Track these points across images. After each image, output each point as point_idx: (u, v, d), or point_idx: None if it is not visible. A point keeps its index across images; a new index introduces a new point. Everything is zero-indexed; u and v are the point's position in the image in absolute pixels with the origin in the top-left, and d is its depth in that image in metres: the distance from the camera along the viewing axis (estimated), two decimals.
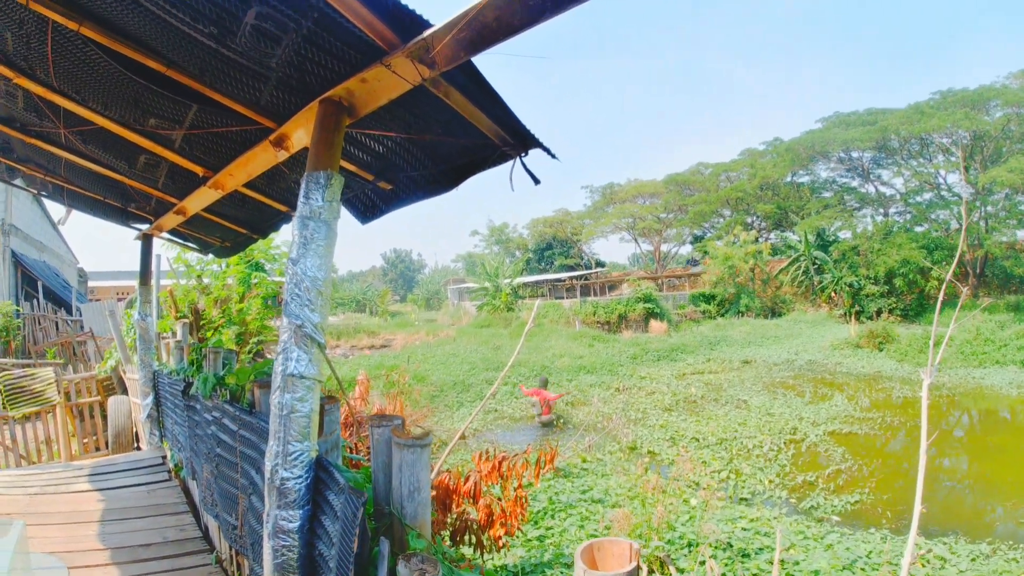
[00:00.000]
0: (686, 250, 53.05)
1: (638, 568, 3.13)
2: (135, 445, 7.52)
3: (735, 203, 44.20)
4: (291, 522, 2.21)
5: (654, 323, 30.03)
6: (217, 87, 2.87)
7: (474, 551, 4.56)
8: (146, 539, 4.22)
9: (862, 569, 5.84)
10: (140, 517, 4.66)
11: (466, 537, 4.54)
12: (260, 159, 3.52)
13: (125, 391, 8.57)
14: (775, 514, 7.69)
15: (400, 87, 2.15)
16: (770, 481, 9.22)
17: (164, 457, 6.19)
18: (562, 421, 13.78)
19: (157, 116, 3.34)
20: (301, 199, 2.35)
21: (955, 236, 31.88)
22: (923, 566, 6.09)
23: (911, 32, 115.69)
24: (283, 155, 3.15)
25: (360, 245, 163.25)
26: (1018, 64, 58.18)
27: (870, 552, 6.27)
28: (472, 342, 24.33)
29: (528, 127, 2.39)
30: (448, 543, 4.49)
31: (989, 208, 31.31)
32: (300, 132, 2.91)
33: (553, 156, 2.33)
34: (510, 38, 1.66)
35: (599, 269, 54.18)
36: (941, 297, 4.04)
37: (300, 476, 2.22)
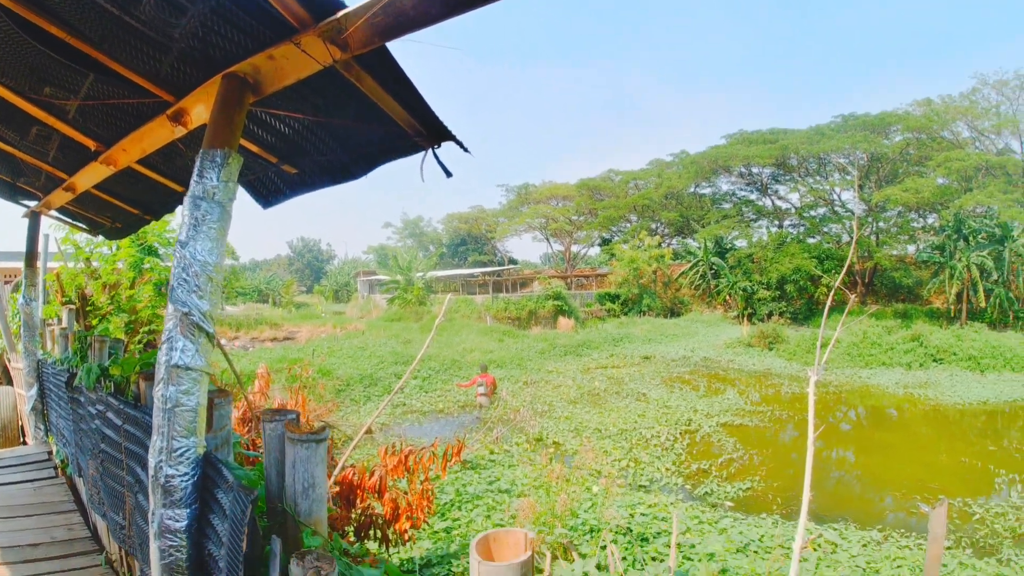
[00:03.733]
0: (595, 251, 54.81)
1: (532, 557, 3.20)
2: (21, 439, 7.07)
3: (642, 210, 46.15)
4: (177, 521, 2.09)
5: (563, 320, 30.83)
6: (117, 56, 2.66)
7: (379, 545, 4.50)
8: (34, 538, 4.15)
9: (755, 551, 6.18)
10: (27, 515, 4.54)
11: (371, 532, 4.47)
12: (156, 134, 3.30)
13: (11, 381, 7.97)
14: (672, 500, 8.09)
15: (310, 67, 2.07)
16: (667, 469, 9.70)
17: (50, 453, 5.88)
18: (481, 410, 13.96)
19: (53, 84, 3.07)
20: (194, 178, 2.21)
21: (846, 248, 34.10)
22: (814, 550, 6.39)
23: (822, 68, 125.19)
24: (181, 131, 2.96)
25: (265, 232, 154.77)
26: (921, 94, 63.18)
27: (762, 536, 6.64)
28: (382, 336, 23.82)
29: (443, 120, 2.37)
30: (352, 539, 4.39)
31: (881, 224, 34.13)
32: (200, 107, 2.74)
33: (466, 150, 2.32)
34: (427, 27, 1.64)
35: (512, 266, 54.94)
36: (829, 302, 4.33)
37: (186, 473, 2.09)
